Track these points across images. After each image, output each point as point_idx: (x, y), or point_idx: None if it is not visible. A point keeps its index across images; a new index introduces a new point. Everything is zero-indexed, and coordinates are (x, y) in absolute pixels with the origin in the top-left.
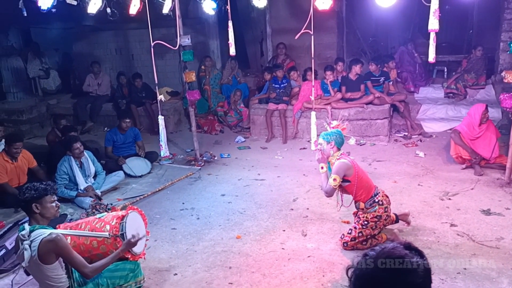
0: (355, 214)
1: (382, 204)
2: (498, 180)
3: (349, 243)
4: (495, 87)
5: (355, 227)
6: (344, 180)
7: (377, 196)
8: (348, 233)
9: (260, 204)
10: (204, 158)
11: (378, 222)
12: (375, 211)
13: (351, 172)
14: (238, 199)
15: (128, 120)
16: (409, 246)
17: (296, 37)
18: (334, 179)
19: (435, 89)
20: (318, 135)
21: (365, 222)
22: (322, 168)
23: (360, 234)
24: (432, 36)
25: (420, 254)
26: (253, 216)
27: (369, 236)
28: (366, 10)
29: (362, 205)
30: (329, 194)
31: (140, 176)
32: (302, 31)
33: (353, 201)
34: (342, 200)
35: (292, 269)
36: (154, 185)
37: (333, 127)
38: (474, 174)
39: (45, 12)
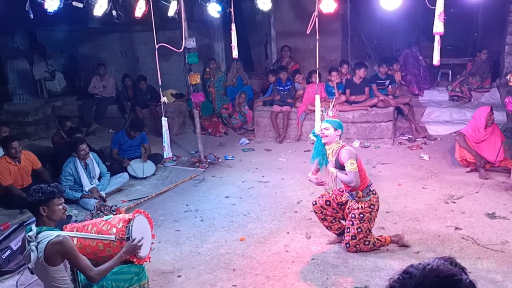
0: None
1: (375, 194)
2: (503, 184)
3: (351, 242)
4: (500, 90)
5: (352, 224)
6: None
7: (372, 185)
8: (347, 232)
9: (264, 206)
10: (208, 160)
11: (372, 212)
12: (369, 200)
13: (356, 159)
14: (242, 201)
15: (138, 133)
16: (453, 262)
17: (308, 31)
18: (352, 163)
19: (440, 92)
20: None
21: (361, 215)
22: (332, 173)
23: (359, 230)
24: (437, 39)
25: (463, 270)
26: (257, 218)
27: (368, 231)
28: (371, 12)
29: (360, 193)
30: (355, 181)
31: (145, 178)
32: (312, 22)
33: (346, 190)
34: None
35: (296, 272)
36: (158, 187)
37: (330, 117)
38: (479, 177)
39: (51, 15)
